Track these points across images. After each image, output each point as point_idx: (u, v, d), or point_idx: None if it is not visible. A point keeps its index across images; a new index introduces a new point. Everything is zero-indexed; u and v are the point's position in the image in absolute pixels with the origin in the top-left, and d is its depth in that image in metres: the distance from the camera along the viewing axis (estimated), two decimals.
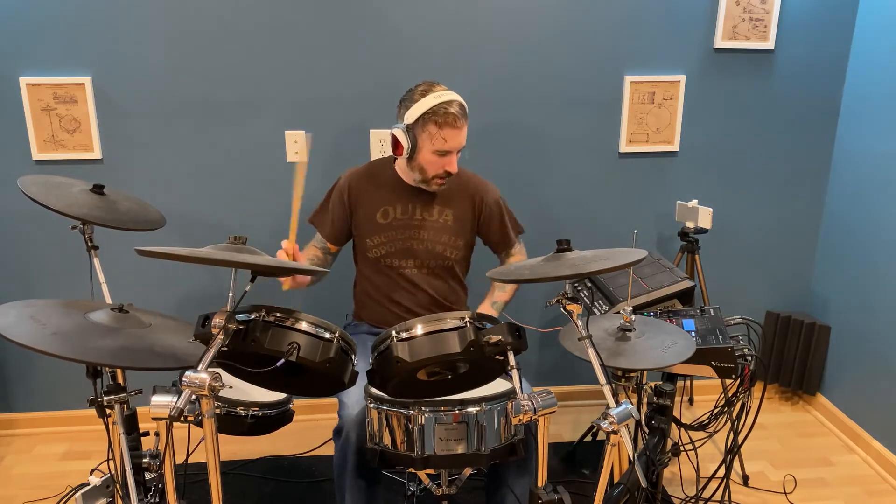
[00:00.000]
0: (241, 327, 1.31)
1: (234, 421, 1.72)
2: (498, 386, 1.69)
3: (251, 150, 2.59)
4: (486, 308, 2.20)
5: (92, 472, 1.87)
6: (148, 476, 1.68)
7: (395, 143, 2.01)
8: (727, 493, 2.13)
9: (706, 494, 2.27)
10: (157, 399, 1.23)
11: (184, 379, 1.20)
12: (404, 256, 2.14)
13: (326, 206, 2.20)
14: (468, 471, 1.84)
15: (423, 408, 1.56)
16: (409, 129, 1.98)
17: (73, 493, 2.32)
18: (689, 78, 2.69)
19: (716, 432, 2.14)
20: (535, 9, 2.56)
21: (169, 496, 1.38)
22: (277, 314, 1.37)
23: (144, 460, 1.60)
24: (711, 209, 2.53)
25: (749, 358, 1.97)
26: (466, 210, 2.17)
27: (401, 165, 2.13)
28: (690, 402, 3.03)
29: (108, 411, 1.60)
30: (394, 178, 2.15)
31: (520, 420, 1.32)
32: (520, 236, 2.31)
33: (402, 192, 2.13)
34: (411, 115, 1.96)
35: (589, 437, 2.66)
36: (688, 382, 3.02)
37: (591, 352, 1.40)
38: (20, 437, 2.76)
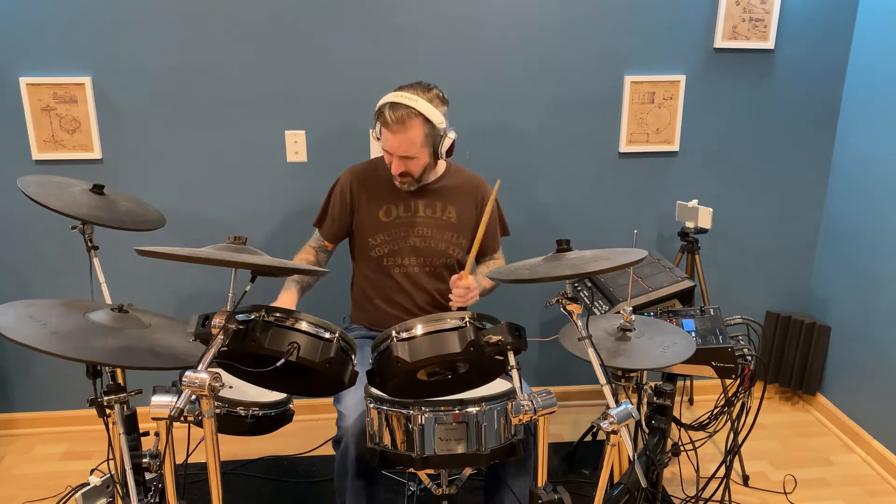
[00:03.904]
0: (241, 327, 1.31)
1: (234, 421, 1.72)
2: (498, 386, 1.69)
3: (251, 150, 2.59)
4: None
5: (92, 472, 1.88)
6: (148, 476, 1.68)
7: None
8: (727, 493, 2.13)
9: (706, 494, 2.26)
10: (157, 399, 1.23)
11: (184, 379, 1.20)
12: (407, 254, 2.13)
13: (327, 205, 2.21)
14: (468, 471, 1.84)
15: (423, 408, 1.56)
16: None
17: (73, 493, 2.32)
18: (689, 78, 2.69)
19: (716, 432, 2.14)
20: (534, 9, 2.56)
21: (169, 496, 1.37)
22: (277, 314, 1.37)
23: (144, 460, 1.59)
24: (711, 209, 2.52)
25: (749, 358, 1.97)
26: (470, 209, 2.17)
27: None
28: (690, 402, 3.02)
29: (108, 411, 1.60)
30: None
31: (520, 420, 1.32)
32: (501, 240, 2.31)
33: (403, 190, 2.13)
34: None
35: (589, 437, 2.66)
36: (688, 382, 3.02)
37: (591, 352, 1.40)
38: (20, 437, 2.76)
